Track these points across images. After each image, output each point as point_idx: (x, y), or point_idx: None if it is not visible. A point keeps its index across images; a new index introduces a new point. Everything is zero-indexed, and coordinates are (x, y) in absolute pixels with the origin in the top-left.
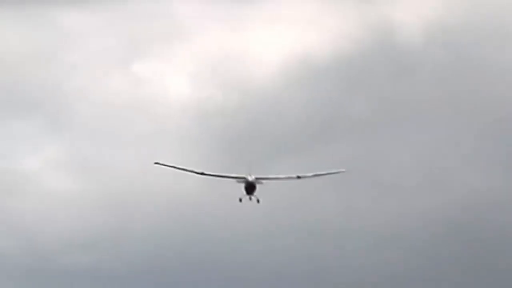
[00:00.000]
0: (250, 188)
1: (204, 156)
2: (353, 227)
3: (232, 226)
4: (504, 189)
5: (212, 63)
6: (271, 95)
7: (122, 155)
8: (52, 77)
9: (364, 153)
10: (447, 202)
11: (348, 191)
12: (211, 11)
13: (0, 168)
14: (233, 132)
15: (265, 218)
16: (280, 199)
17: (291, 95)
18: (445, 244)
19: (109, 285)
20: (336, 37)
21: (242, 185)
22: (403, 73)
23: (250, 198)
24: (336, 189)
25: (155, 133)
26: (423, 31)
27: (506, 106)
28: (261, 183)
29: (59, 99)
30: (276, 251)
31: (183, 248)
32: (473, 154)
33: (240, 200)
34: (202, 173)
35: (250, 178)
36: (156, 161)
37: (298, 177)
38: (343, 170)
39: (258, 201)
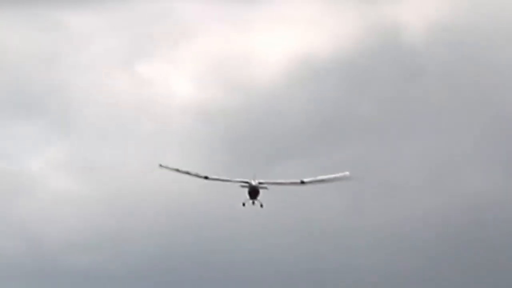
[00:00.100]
0: (253, 192)
1: (207, 157)
2: (354, 227)
3: (234, 227)
4: (505, 189)
5: (215, 64)
6: (274, 96)
7: (125, 156)
8: (56, 78)
9: (369, 154)
10: (447, 202)
11: (351, 191)
12: (214, 12)
13: (3, 168)
14: (236, 133)
15: (267, 220)
16: (283, 201)
17: (295, 96)
18: (445, 244)
19: (114, 287)
20: (341, 38)
21: (246, 190)
22: (409, 74)
23: (253, 203)
24: (339, 190)
25: (158, 134)
26: (427, 31)
27: None
28: (266, 188)
29: (63, 99)
30: (276, 252)
31: (185, 250)
32: (479, 155)
33: (244, 204)
34: (206, 177)
35: (254, 182)
36: (160, 163)
37: (302, 182)
38: (347, 173)
39: (261, 205)
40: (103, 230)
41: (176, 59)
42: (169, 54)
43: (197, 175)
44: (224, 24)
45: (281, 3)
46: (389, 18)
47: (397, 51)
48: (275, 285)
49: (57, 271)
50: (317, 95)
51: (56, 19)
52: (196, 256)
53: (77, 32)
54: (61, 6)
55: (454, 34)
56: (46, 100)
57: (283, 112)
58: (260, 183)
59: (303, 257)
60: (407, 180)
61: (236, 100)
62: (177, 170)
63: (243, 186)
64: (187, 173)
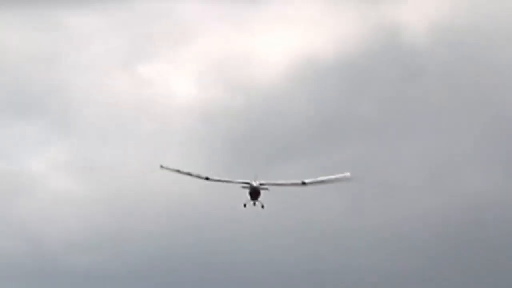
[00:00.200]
0: (254, 193)
1: (207, 157)
2: (354, 228)
3: (235, 228)
4: (505, 189)
5: (217, 64)
6: (274, 96)
7: (126, 156)
8: (56, 78)
9: (369, 154)
10: (447, 202)
11: (352, 192)
12: (214, 12)
13: (3, 168)
14: (237, 133)
15: (268, 221)
16: (284, 202)
17: (295, 96)
18: (445, 244)
19: (114, 287)
20: (341, 38)
21: (247, 191)
22: (409, 74)
23: (254, 204)
24: (340, 191)
25: (158, 134)
26: (429, 31)
27: None
28: (267, 189)
29: (63, 99)
30: (277, 252)
31: (186, 250)
32: (479, 155)
33: (245, 205)
34: (207, 178)
35: (255, 183)
36: (161, 164)
37: (303, 183)
38: (348, 174)
39: (262, 206)
40: (103, 230)
41: (176, 59)
42: (169, 54)
43: (198, 176)
44: (224, 24)
45: (281, 3)
46: (389, 18)
47: (397, 51)
48: (276, 286)
49: (57, 271)
50: (317, 95)
51: (56, 19)
52: (196, 257)
53: (77, 32)
54: (61, 6)
55: (454, 34)
56: (46, 100)
57: (283, 112)
58: (261, 184)
59: (304, 258)
60: (407, 180)
61: (236, 100)
62: (178, 171)
63: (244, 187)
64: (189, 174)
